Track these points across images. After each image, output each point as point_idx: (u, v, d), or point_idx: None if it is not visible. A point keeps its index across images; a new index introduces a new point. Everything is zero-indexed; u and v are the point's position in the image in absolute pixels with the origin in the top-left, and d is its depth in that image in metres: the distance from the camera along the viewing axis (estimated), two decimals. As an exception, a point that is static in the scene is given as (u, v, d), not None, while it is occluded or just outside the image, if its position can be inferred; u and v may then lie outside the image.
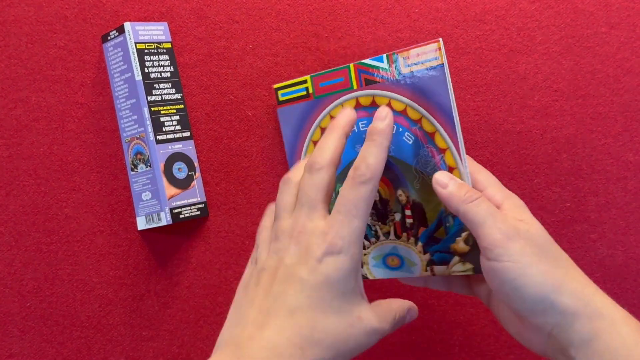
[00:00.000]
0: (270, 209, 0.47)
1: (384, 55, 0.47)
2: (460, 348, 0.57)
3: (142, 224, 0.57)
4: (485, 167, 0.56)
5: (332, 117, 0.50)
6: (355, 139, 0.49)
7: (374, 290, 0.58)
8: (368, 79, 0.48)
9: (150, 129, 0.55)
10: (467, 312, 0.57)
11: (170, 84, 0.57)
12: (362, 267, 0.48)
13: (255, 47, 0.58)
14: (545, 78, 0.56)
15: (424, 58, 0.45)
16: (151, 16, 0.58)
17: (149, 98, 0.55)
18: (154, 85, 0.56)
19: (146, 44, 0.56)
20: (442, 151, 0.46)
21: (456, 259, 0.48)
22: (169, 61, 0.57)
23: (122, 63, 0.56)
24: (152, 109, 0.56)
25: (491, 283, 0.42)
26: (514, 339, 0.57)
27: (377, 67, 0.47)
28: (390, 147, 0.45)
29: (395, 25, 0.57)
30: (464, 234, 0.47)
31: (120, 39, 0.56)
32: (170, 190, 0.55)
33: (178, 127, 0.57)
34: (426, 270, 0.49)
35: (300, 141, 0.53)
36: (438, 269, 0.48)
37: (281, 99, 0.53)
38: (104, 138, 0.59)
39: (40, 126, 0.59)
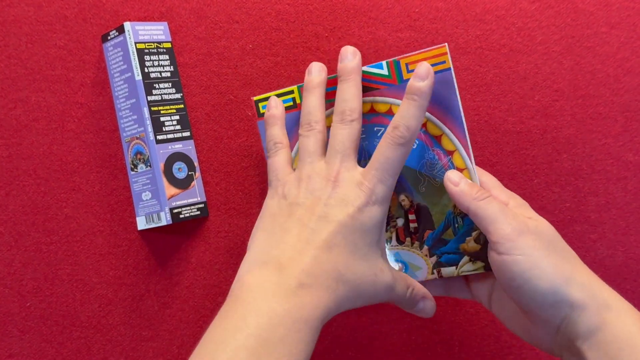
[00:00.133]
0: (275, 149, 0.47)
1: (384, 62, 0.47)
2: (460, 348, 0.57)
3: (142, 224, 0.57)
4: (485, 167, 0.56)
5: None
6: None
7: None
8: (366, 86, 0.47)
9: (150, 128, 0.55)
10: (467, 312, 0.57)
11: (170, 84, 0.57)
12: None
13: (256, 47, 0.58)
14: (546, 78, 0.56)
15: (430, 63, 0.45)
16: (151, 16, 0.58)
17: (149, 98, 0.55)
18: (154, 85, 0.56)
19: (146, 44, 0.56)
20: (450, 153, 0.47)
21: (466, 258, 0.48)
22: (169, 61, 0.57)
23: (122, 63, 0.56)
24: (152, 108, 0.56)
25: (501, 278, 0.43)
26: (513, 339, 0.57)
27: (376, 74, 0.47)
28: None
29: (395, 25, 0.57)
30: (474, 233, 0.47)
31: (120, 38, 0.56)
32: (170, 190, 0.55)
33: (178, 127, 0.57)
34: (432, 274, 0.49)
35: None
36: (445, 270, 0.48)
37: (263, 111, 0.51)
38: (104, 138, 0.59)
39: (40, 126, 0.59)
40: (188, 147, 0.57)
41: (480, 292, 0.49)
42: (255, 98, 0.51)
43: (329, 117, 0.48)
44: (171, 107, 0.57)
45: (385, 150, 0.43)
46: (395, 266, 0.50)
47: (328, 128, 0.47)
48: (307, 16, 0.57)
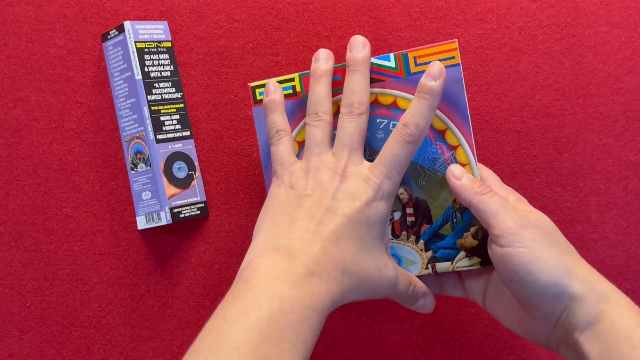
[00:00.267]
0: (278, 136, 0.47)
1: (392, 54, 0.47)
2: (460, 348, 0.57)
3: (142, 223, 0.57)
4: (486, 166, 0.56)
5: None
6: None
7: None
8: (372, 78, 0.47)
9: (150, 128, 0.55)
10: (467, 312, 0.57)
11: (170, 83, 0.57)
12: None
13: (256, 46, 0.58)
14: (546, 77, 0.56)
15: (439, 58, 0.46)
16: (151, 15, 0.58)
17: (149, 97, 0.55)
18: (154, 85, 0.56)
19: (146, 43, 0.56)
20: (453, 148, 0.47)
21: (462, 254, 0.48)
22: (169, 60, 0.57)
23: (122, 62, 0.56)
24: (152, 108, 0.55)
25: (503, 270, 0.43)
26: (514, 339, 0.57)
27: (383, 66, 0.47)
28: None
29: (395, 24, 0.57)
30: (472, 229, 0.48)
31: (120, 38, 0.56)
32: (170, 189, 0.55)
33: (178, 127, 0.57)
34: (427, 269, 0.49)
35: None
36: (441, 265, 0.48)
37: (260, 97, 0.50)
38: (104, 137, 0.59)
39: (39, 126, 0.59)
40: (188, 147, 0.57)
41: (474, 289, 0.49)
42: (252, 84, 0.50)
43: (334, 105, 0.48)
44: (171, 106, 0.57)
45: (394, 147, 0.43)
46: None
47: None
48: (307, 15, 0.57)
